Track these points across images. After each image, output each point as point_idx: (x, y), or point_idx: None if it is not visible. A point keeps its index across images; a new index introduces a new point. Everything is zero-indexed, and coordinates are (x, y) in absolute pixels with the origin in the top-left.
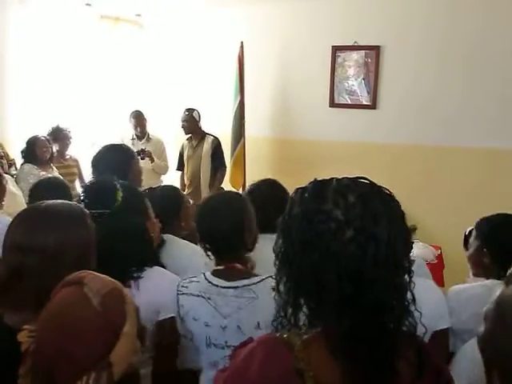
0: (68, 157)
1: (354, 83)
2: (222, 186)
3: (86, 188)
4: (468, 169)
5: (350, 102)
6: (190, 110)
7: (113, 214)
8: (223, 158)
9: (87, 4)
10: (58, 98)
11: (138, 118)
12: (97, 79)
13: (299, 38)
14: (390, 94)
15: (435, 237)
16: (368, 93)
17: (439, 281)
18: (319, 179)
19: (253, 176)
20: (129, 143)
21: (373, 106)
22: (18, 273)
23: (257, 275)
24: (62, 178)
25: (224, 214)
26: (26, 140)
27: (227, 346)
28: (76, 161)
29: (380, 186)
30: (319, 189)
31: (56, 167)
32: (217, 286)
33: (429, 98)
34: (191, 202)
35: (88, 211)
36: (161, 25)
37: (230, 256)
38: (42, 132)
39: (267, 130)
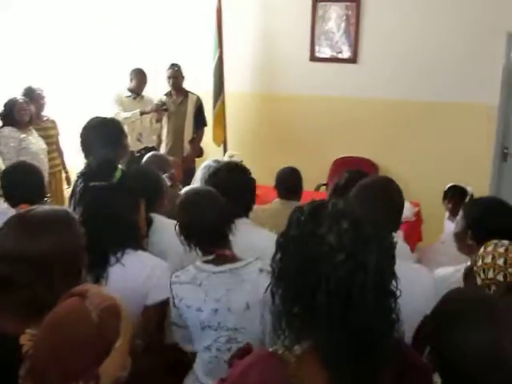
0: (45, 118)
1: (334, 36)
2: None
3: (88, 163)
4: (447, 124)
5: (330, 55)
6: (178, 66)
7: (107, 189)
8: (205, 117)
9: None
10: (33, 56)
11: (143, 76)
12: (72, 37)
13: None
14: (370, 48)
15: (413, 192)
16: (349, 46)
17: (417, 236)
18: (316, 202)
19: (234, 132)
20: (126, 101)
21: (353, 59)
22: (8, 282)
23: (244, 259)
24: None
25: (209, 205)
26: (4, 103)
27: (220, 328)
28: (54, 122)
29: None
30: (315, 213)
31: (35, 129)
32: (206, 271)
33: (410, 51)
34: (172, 157)
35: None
36: None
37: (219, 244)
38: (17, 94)
39: (247, 85)
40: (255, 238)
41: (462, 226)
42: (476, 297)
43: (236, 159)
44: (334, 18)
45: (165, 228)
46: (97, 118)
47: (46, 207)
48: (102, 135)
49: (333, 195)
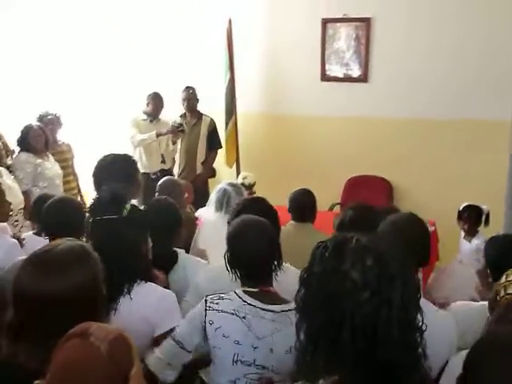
0: (61, 142)
1: (345, 56)
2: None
3: (97, 197)
4: (460, 141)
5: (341, 75)
6: (193, 88)
7: (117, 222)
8: (219, 138)
9: None
10: (50, 82)
11: (159, 100)
12: (85, 61)
13: (288, 12)
14: (381, 67)
15: (429, 210)
16: (359, 66)
17: (435, 256)
18: (339, 237)
19: (246, 153)
20: (143, 124)
21: (364, 79)
22: (27, 321)
23: (291, 301)
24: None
25: (264, 238)
26: (20, 129)
27: (255, 365)
28: (69, 145)
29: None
30: (338, 248)
31: (50, 154)
32: (254, 306)
33: (420, 70)
34: (184, 181)
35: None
36: (149, 3)
37: (265, 279)
38: (33, 119)
39: (259, 105)
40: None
41: (482, 265)
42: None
43: (249, 180)
44: (343, 37)
45: (189, 266)
46: (110, 154)
47: (64, 245)
48: (115, 172)
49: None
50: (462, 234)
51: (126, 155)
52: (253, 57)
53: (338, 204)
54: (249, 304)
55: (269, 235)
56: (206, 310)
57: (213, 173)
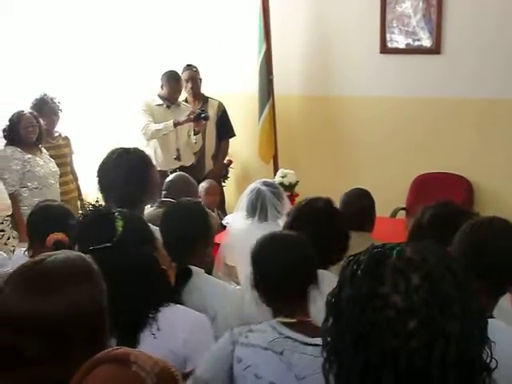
0: (57, 134)
1: (410, 21)
2: (229, 158)
3: (80, 221)
4: None
5: (406, 45)
6: (195, 66)
7: (114, 248)
8: (231, 124)
9: None
10: (44, 63)
11: (177, 81)
12: (89, 36)
13: None
14: (458, 35)
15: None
16: (430, 33)
17: None
18: (375, 248)
19: (285, 145)
20: (157, 110)
21: (436, 50)
22: (13, 355)
23: None
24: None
25: (288, 253)
26: (9, 117)
27: None
28: (67, 139)
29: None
30: (375, 265)
31: (44, 148)
32: (294, 340)
33: (509, 37)
34: (210, 180)
35: (83, 249)
36: None
37: (300, 305)
38: (27, 105)
39: (301, 86)
40: None
41: None
42: None
43: (290, 179)
44: None
45: (207, 289)
46: (116, 149)
47: (60, 256)
48: (123, 171)
49: (414, 236)
50: None
51: (135, 150)
52: (293, 24)
53: (402, 209)
54: (287, 337)
55: (300, 249)
56: (233, 343)
57: (225, 171)
